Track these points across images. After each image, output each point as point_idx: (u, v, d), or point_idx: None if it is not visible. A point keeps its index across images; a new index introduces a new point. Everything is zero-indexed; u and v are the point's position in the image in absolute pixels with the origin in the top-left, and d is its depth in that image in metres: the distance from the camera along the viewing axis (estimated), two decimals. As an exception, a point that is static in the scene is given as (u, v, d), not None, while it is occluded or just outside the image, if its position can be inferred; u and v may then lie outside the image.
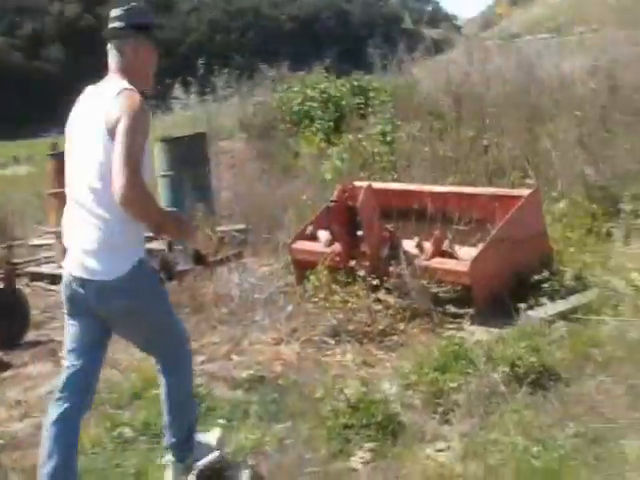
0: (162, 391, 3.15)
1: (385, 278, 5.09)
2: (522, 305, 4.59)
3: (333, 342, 4.75)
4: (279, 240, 6.59)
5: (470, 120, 9.00)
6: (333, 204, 5.56)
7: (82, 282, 2.85)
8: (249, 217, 7.93)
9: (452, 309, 5.08)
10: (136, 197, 2.65)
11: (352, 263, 5.33)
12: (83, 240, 2.85)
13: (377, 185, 5.79)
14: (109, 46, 2.99)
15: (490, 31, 39.65)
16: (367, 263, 5.25)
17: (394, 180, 7.90)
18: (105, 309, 2.86)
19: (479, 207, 5.31)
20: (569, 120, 7.73)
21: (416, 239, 5.28)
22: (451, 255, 5.11)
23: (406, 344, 4.61)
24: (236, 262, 6.35)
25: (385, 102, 10.85)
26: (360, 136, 9.65)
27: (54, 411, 2.89)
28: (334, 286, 5.21)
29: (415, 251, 5.24)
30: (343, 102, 12.39)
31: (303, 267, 5.66)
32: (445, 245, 5.15)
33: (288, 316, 5.13)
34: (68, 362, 2.96)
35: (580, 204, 6.44)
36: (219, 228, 7.43)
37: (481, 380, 3.80)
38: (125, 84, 2.85)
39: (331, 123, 11.86)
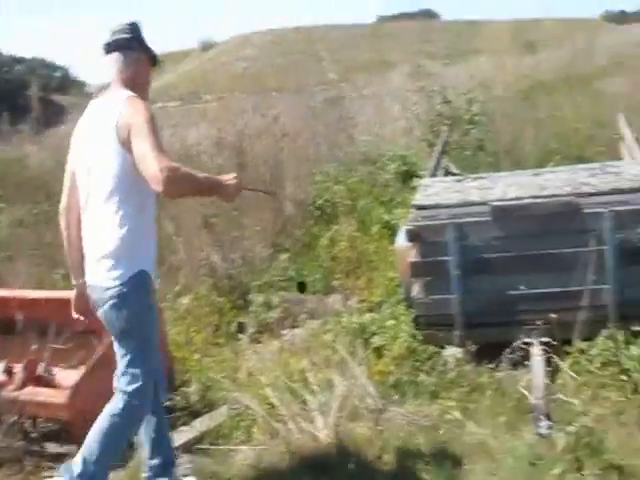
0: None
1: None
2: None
3: None
4: None
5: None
6: None
7: (91, 288, 3.15)
8: None
9: (53, 448, 4.10)
10: (176, 176, 2.81)
11: None
12: (92, 247, 3.10)
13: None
14: (112, 57, 3.18)
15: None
16: None
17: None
18: (101, 312, 3.13)
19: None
20: (194, 200, 7.28)
21: (2, 362, 4.23)
22: (48, 382, 4.14)
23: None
24: None
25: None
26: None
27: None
28: None
29: (1, 378, 4.18)
30: None
31: None
32: (40, 369, 4.18)
33: None
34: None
35: (206, 297, 5.93)
36: None
37: None
38: (129, 92, 3.06)
39: None
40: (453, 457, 3.58)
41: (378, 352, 4.92)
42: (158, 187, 2.78)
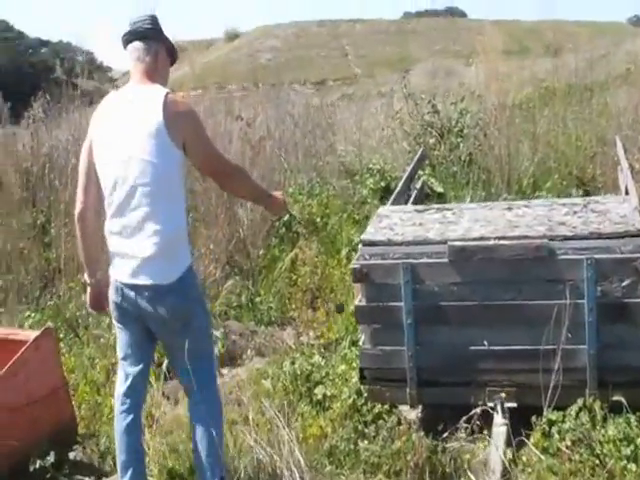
0: (194, 427, 3.23)
1: None
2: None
3: None
4: None
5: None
6: None
7: (134, 288, 3.08)
8: None
9: None
10: (245, 174, 3.38)
11: None
12: (137, 247, 3.05)
13: None
14: (133, 46, 3.21)
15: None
16: None
17: None
18: (155, 313, 3.07)
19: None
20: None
21: None
22: None
23: None
24: None
25: None
26: None
27: (124, 419, 3.23)
28: None
29: None
30: None
31: None
32: None
33: None
34: (125, 370, 3.26)
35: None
36: None
37: None
38: (162, 88, 3.12)
39: None
40: None
41: (322, 405, 4.36)
42: (225, 181, 3.30)
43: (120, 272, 3.15)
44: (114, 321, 3.33)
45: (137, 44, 3.21)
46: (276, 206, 3.57)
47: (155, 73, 3.20)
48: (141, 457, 3.35)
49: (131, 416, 3.27)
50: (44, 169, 7.98)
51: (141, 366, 3.29)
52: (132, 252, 3.08)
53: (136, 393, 3.30)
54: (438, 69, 17.34)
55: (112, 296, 3.22)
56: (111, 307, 3.26)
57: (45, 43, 42.28)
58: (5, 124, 9.49)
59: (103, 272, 3.43)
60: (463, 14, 63.22)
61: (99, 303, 3.41)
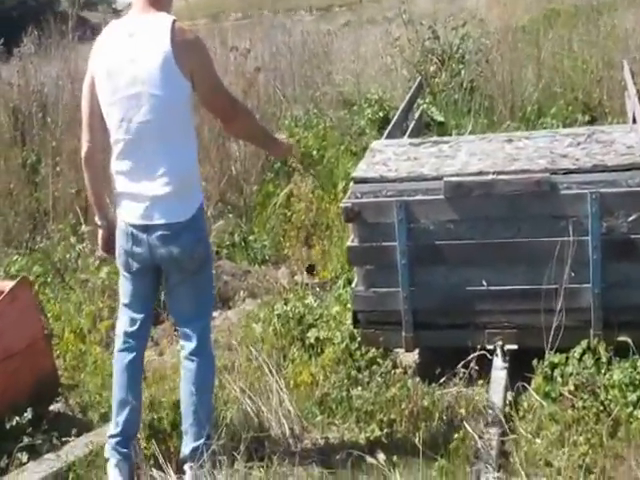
0: (185, 377, 3.11)
1: None
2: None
3: None
4: None
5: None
6: None
7: (146, 229, 2.93)
8: None
9: None
10: (248, 114, 3.24)
11: None
12: (149, 187, 2.90)
13: None
14: None
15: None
16: None
17: None
18: (168, 253, 2.94)
19: None
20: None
21: None
22: None
23: None
24: None
25: None
26: None
27: (126, 357, 3.13)
28: None
29: None
30: None
31: None
32: None
33: None
34: (130, 315, 3.14)
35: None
36: None
37: None
38: (168, 15, 2.90)
39: None
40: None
41: (315, 349, 4.20)
42: (230, 120, 3.07)
43: (130, 214, 2.99)
44: (120, 268, 3.16)
45: None
46: (282, 152, 3.54)
47: (158, 0, 2.96)
48: (139, 397, 3.21)
49: (133, 354, 3.15)
50: (33, 107, 7.67)
51: (147, 312, 3.20)
52: (143, 192, 2.93)
53: (140, 335, 3.20)
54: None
55: (120, 241, 3.06)
56: (118, 253, 3.10)
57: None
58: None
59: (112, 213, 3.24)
60: None
61: (111, 245, 3.22)
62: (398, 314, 3.76)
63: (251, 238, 6.05)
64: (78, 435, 3.49)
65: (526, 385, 3.48)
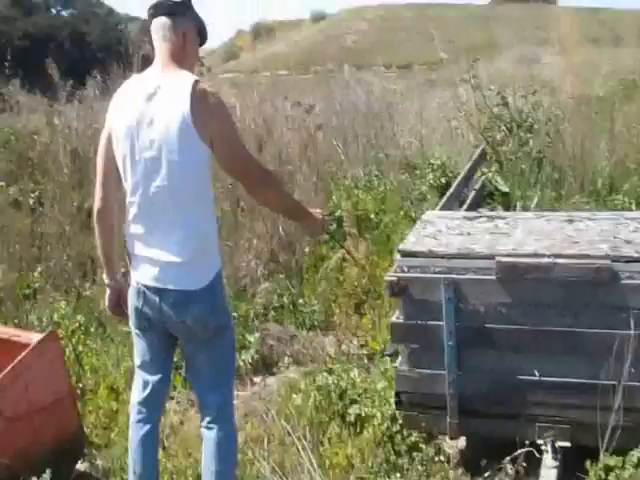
0: (206, 447, 3.00)
1: None
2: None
3: None
4: None
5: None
6: None
7: (158, 292, 2.85)
8: None
9: None
10: (278, 182, 3.15)
11: None
12: (164, 253, 2.82)
13: None
14: (158, 21, 2.89)
15: (232, 64, 38.99)
16: None
17: None
18: (180, 321, 2.85)
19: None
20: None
21: None
22: None
23: None
24: None
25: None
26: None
27: (141, 429, 3.02)
28: None
29: None
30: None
31: None
32: None
33: None
34: (144, 378, 3.04)
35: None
36: None
37: None
38: (190, 75, 2.80)
39: None
40: None
41: (355, 427, 4.00)
42: (254, 187, 2.89)
43: (143, 275, 2.92)
44: (132, 327, 3.09)
45: (163, 20, 2.88)
46: (313, 226, 3.19)
47: (182, 55, 2.89)
48: (156, 472, 3.11)
49: (148, 426, 3.07)
50: (91, 151, 7.75)
51: (160, 375, 3.08)
52: (157, 257, 2.86)
53: (154, 403, 3.10)
54: (524, 56, 16.56)
55: (132, 299, 2.99)
56: (130, 311, 3.02)
57: (133, 19, 42.91)
58: (61, 101, 9.31)
59: (123, 272, 3.17)
60: (553, 0, 61.45)
61: (118, 306, 3.17)
62: (443, 398, 3.55)
63: (300, 301, 5.90)
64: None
65: (577, 487, 3.21)
